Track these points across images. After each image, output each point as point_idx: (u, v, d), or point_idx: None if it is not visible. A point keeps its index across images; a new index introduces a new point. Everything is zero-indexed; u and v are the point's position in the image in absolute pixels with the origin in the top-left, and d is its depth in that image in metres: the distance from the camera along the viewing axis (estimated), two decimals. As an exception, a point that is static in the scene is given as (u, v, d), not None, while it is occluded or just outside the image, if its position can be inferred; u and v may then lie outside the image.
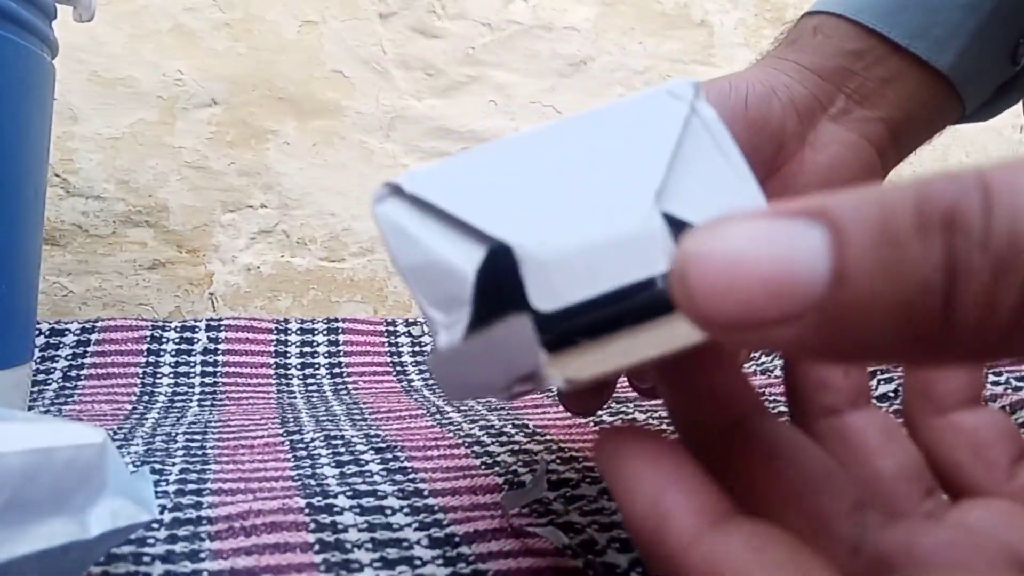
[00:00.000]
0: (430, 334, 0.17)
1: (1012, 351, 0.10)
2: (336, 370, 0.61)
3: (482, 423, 0.42)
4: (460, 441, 0.38)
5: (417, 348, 0.65)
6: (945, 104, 0.30)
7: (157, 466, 0.34)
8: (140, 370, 0.57)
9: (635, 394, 0.38)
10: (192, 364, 0.58)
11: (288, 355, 0.62)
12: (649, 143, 0.16)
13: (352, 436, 0.39)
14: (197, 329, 0.61)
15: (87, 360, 0.57)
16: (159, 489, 0.31)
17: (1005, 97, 0.32)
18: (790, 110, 0.28)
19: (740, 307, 0.10)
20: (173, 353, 0.59)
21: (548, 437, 0.38)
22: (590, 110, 0.17)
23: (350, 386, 0.58)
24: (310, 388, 0.57)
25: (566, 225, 0.15)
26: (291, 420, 0.45)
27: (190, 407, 0.51)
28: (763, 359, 0.51)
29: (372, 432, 0.40)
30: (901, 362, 0.11)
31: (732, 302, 0.10)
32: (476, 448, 0.37)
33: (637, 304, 0.15)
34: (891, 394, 0.36)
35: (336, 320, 0.65)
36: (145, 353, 0.58)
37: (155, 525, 0.27)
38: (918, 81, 0.29)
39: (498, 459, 0.35)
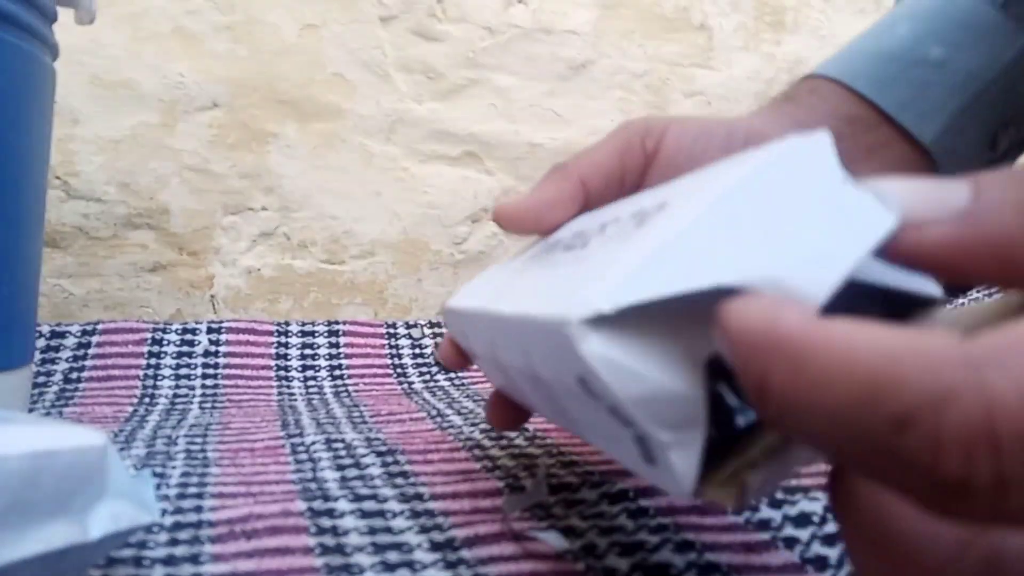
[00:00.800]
0: (650, 451, 0.16)
1: None
2: (337, 372, 0.61)
3: (483, 426, 0.42)
4: (461, 444, 0.38)
5: (418, 351, 0.65)
6: None
7: (158, 469, 0.34)
8: (141, 372, 0.57)
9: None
10: (193, 367, 0.58)
11: (289, 357, 0.62)
12: (812, 188, 0.17)
13: (353, 439, 0.39)
14: (198, 331, 0.61)
15: (88, 362, 0.57)
16: (160, 492, 0.31)
17: None
18: None
19: None
20: (174, 355, 0.59)
21: (548, 441, 0.38)
22: (725, 184, 0.16)
23: (351, 389, 0.58)
24: (311, 391, 0.57)
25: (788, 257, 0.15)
26: (292, 423, 0.45)
27: (191, 410, 0.51)
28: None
29: (373, 435, 0.40)
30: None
31: None
32: (477, 451, 0.37)
33: None
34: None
35: (337, 323, 0.65)
36: (146, 355, 0.58)
37: (156, 529, 0.27)
38: (901, 153, 0.30)
39: (499, 463, 0.35)
